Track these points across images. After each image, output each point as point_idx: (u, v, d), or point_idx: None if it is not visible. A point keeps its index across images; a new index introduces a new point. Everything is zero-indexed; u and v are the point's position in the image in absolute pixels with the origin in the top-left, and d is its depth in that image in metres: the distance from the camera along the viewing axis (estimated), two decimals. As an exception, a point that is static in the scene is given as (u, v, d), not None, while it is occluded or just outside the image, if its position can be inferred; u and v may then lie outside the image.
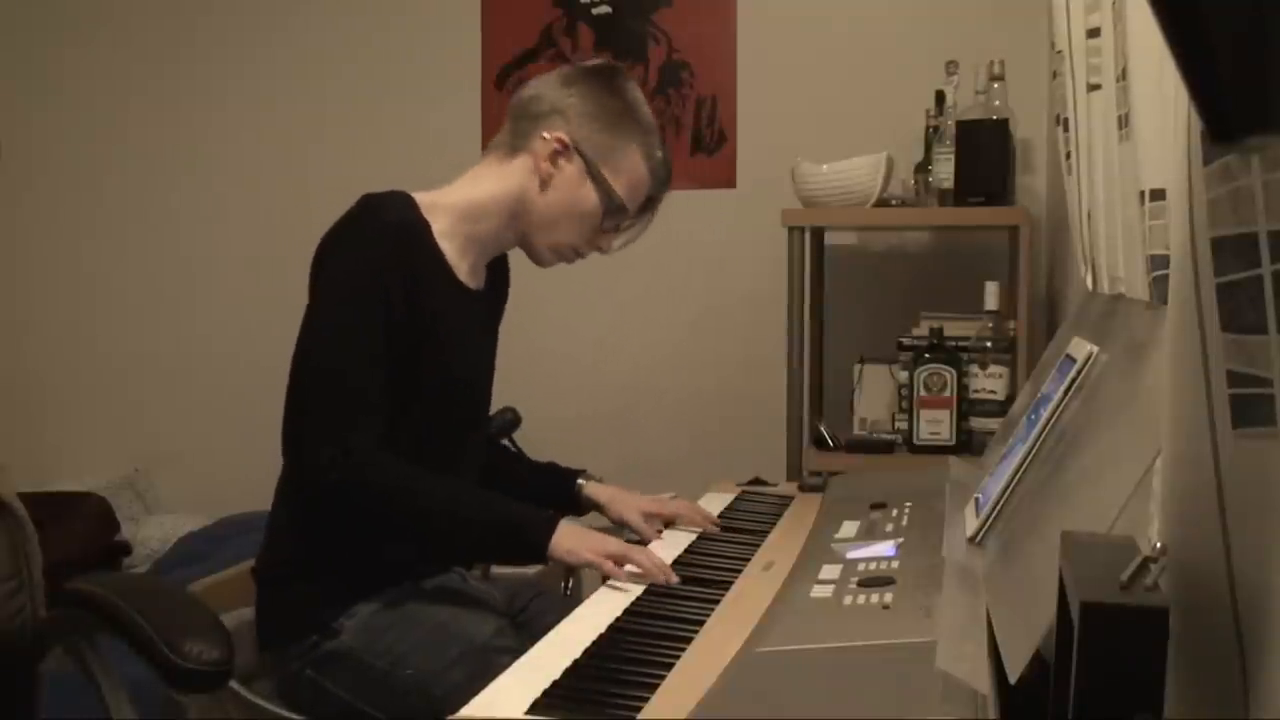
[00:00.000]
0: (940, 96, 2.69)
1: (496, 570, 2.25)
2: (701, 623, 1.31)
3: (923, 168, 2.70)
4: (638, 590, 1.48)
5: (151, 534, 3.21)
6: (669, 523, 1.83)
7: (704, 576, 1.52)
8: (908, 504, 1.65)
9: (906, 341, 2.59)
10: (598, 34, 3.18)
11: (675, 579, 1.52)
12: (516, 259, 1.89)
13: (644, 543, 1.74)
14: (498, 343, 1.91)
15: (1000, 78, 2.56)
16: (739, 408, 3.06)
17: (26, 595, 1.67)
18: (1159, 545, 0.72)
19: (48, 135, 3.48)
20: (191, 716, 1.75)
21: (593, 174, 1.74)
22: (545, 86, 1.78)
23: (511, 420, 2.10)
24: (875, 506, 1.68)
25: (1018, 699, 0.98)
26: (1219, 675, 0.74)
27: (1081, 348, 1.34)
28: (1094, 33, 1.39)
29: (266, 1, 3.37)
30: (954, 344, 2.52)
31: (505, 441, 2.04)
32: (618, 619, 1.36)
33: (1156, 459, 0.92)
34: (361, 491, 1.61)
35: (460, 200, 1.76)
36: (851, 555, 1.43)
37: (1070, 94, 1.54)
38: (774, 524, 1.78)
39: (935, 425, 2.50)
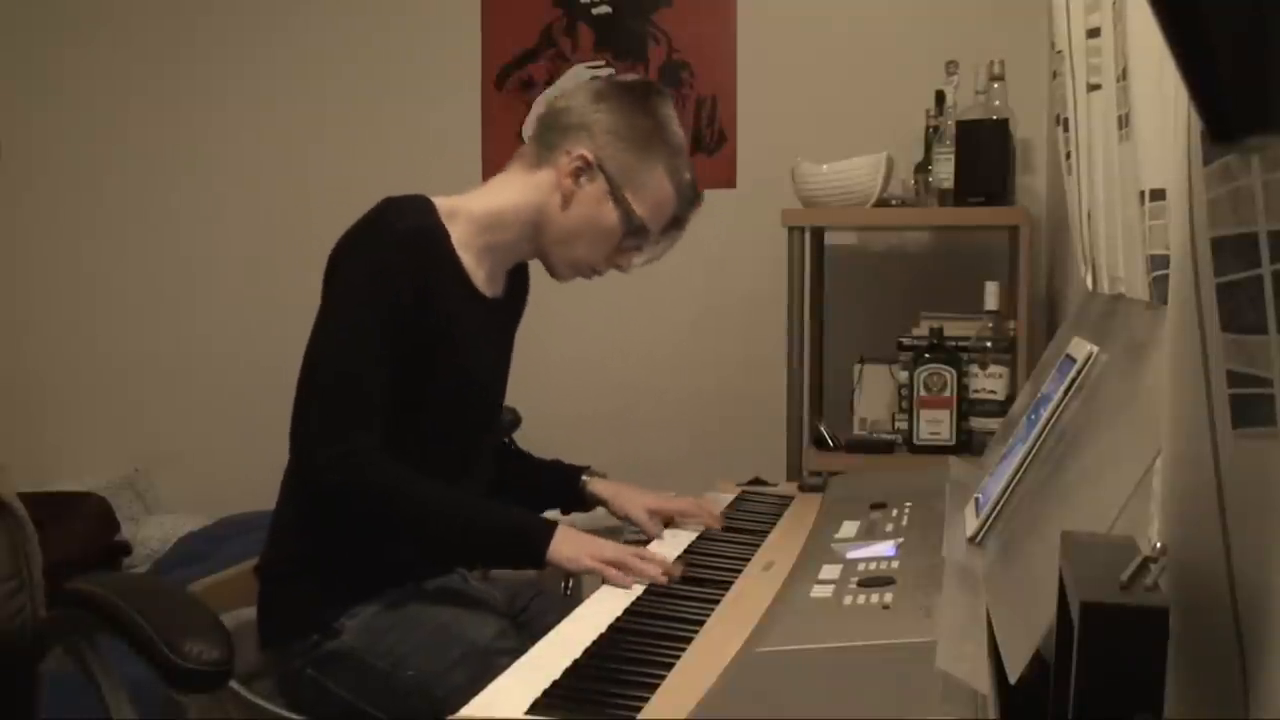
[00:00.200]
0: (940, 96, 2.69)
1: (496, 570, 2.25)
2: (701, 623, 1.31)
3: (923, 168, 2.70)
4: (638, 590, 1.48)
5: (151, 534, 3.21)
6: (668, 522, 1.83)
7: (704, 576, 1.52)
8: (908, 504, 1.65)
9: (906, 341, 2.58)
10: (598, 34, 3.18)
11: (678, 572, 1.53)
12: (534, 268, 1.89)
13: (648, 539, 1.74)
14: (512, 350, 1.91)
15: (1000, 78, 2.56)
16: (739, 408, 3.06)
17: (26, 595, 1.67)
18: (1159, 545, 0.72)
19: (48, 135, 3.49)
20: (191, 716, 1.75)
21: (614, 194, 1.73)
22: (577, 98, 1.77)
23: (511, 420, 2.10)
24: (875, 506, 1.68)
25: (1018, 699, 0.98)
26: (1219, 675, 0.74)
27: (1081, 348, 1.34)
28: (1094, 33, 1.39)
29: (266, 2, 3.37)
30: (954, 344, 2.52)
31: (505, 440, 2.04)
32: (618, 619, 1.36)
33: (1156, 459, 0.92)
34: (361, 492, 1.61)
35: (481, 208, 1.75)
36: (851, 555, 1.43)
37: (1070, 94, 1.54)
38: (774, 524, 1.78)
39: (935, 425, 2.50)
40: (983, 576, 1.24)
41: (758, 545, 1.66)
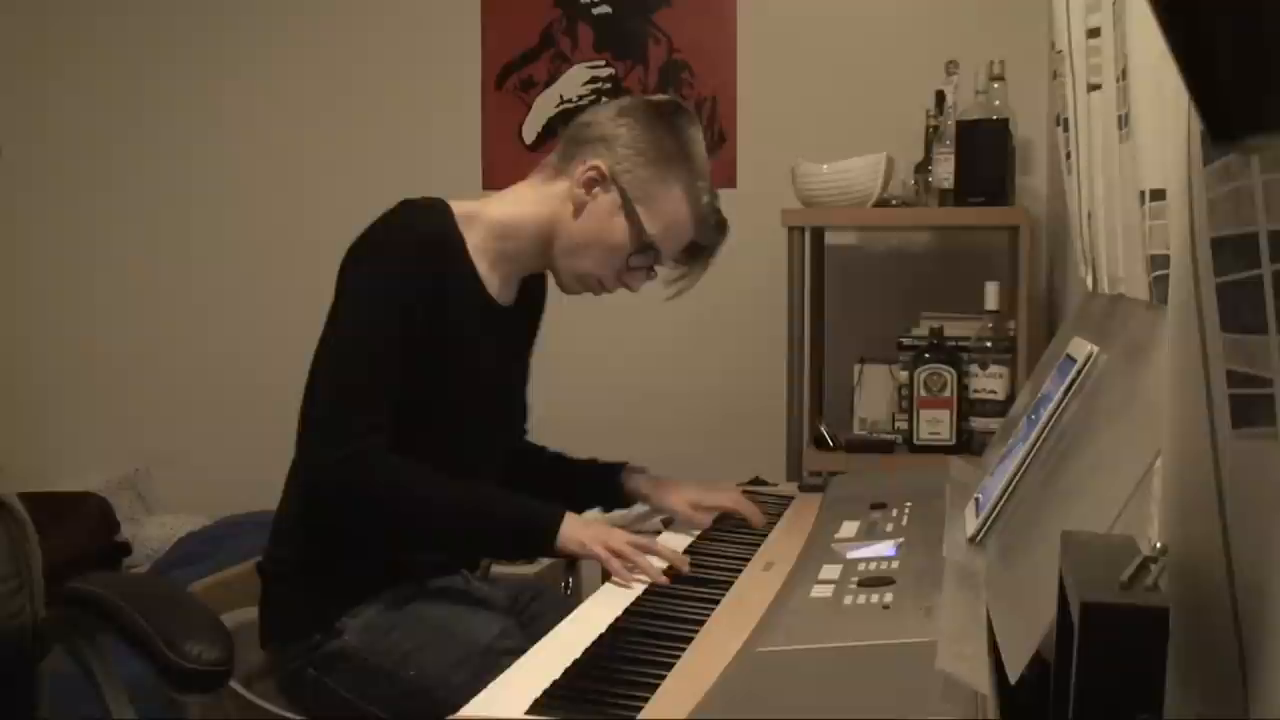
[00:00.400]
0: (940, 96, 2.69)
1: (497, 570, 2.25)
2: (701, 623, 1.31)
3: (923, 168, 2.70)
4: (638, 590, 1.48)
5: (151, 534, 3.21)
6: (668, 523, 1.83)
7: (704, 576, 1.53)
8: (908, 504, 1.64)
9: (906, 341, 2.58)
10: (598, 34, 3.18)
11: (686, 567, 1.54)
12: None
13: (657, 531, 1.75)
14: (529, 358, 1.90)
15: (1000, 78, 2.56)
16: (739, 408, 3.06)
17: (26, 595, 1.67)
18: (1159, 545, 0.72)
19: (48, 135, 3.49)
20: (192, 716, 1.75)
21: (626, 208, 1.72)
22: (602, 113, 1.77)
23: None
24: (875, 506, 1.68)
25: (1018, 699, 0.98)
26: (1219, 675, 0.74)
27: (1081, 348, 1.34)
28: (1094, 33, 1.39)
29: (266, 2, 3.37)
30: (954, 344, 2.52)
31: (537, 445, 2.03)
32: (618, 619, 1.36)
33: (1156, 459, 0.92)
34: (364, 494, 1.60)
35: (497, 216, 1.75)
36: (851, 555, 1.43)
37: (1070, 94, 1.54)
38: (774, 524, 1.78)
39: (935, 425, 2.50)
40: (983, 576, 1.24)
41: (758, 545, 1.66)
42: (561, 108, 3.20)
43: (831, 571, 1.37)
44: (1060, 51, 1.57)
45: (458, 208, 1.72)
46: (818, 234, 2.85)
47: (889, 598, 1.21)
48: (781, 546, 1.61)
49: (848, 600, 1.24)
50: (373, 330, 1.63)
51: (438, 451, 1.65)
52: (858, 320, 2.95)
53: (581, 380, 3.09)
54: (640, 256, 1.75)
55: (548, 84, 3.21)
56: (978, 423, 2.50)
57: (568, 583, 2.92)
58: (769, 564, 1.53)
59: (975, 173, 2.55)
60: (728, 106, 3.11)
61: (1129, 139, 1.19)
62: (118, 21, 3.44)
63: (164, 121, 3.42)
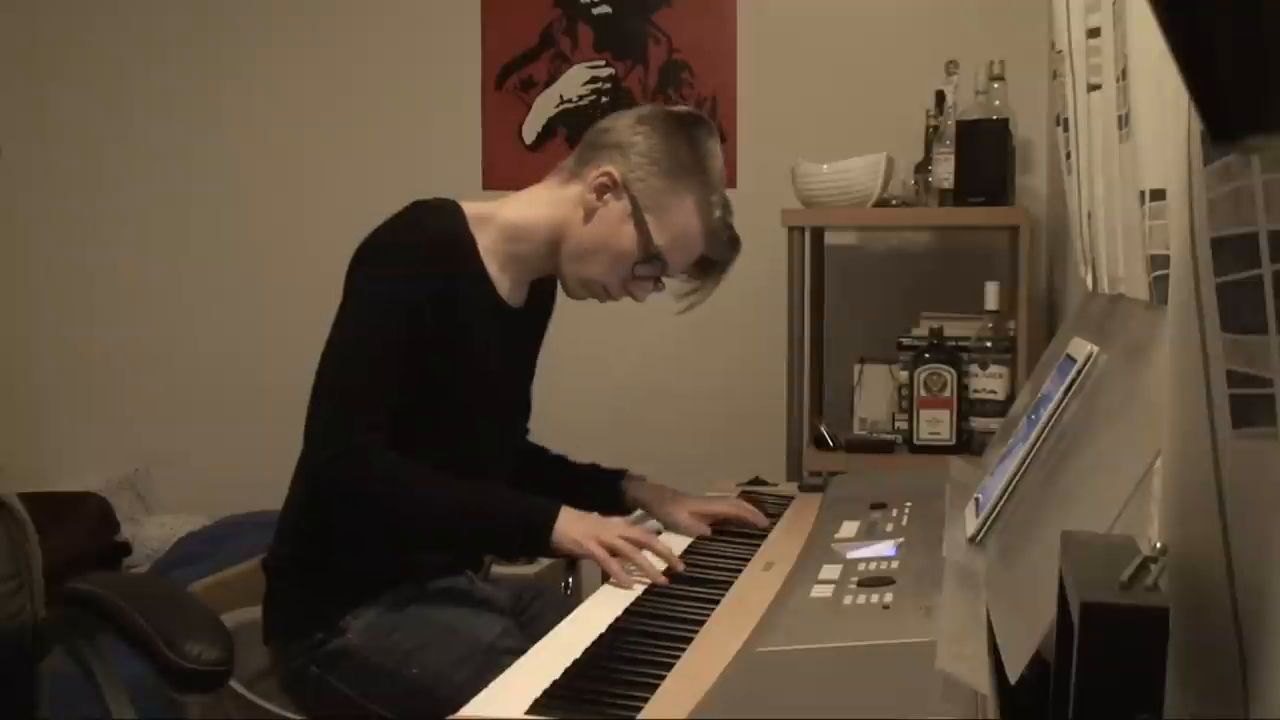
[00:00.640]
0: (940, 96, 2.69)
1: (497, 570, 2.25)
2: (701, 623, 1.31)
3: (923, 168, 2.70)
4: (638, 590, 1.48)
5: (151, 534, 3.21)
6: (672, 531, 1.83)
7: (704, 576, 1.53)
8: (908, 504, 1.64)
9: (906, 341, 2.58)
10: (598, 34, 3.18)
11: (681, 567, 1.53)
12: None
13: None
14: (536, 360, 1.90)
15: (1000, 78, 2.56)
16: (739, 408, 3.06)
17: (26, 595, 1.67)
18: (1159, 545, 0.72)
19: (48, 135, 3.49)
20: (192, 716, 1.75)
21: (636, 216, 1.71)
22: (621, 119, 1.76)
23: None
24: (875, 506, 1.68)
25: (1018, 699, 0.98)
26: (1219, 675, 0.74)
27: (1081, 348, 1.34)
28: (1094, 33, 1.39)
29: (266, 2, 3.37)
30: (954, 344, 2.52)
31: (540, 446, 2.03)
32: (618, 619, 1.36)
33: (1156, 459, 0.92)
34: (361, 488, 1.60)
35: (509, 218, 1.75)
36: (851, 555, 1.43)
37: (1070, 94, 1.54)
38: (774, 524, 1.78)
39: (935, 425, 2.50)
40: (983, 576, 1.24)
41: (758, 545, 1.66)
42: (561, 108, 3.20)
43: (831, 571, 1.37)
44: (1060, 51, 1.57)
45: (470, 209, 1.72)
46: (818, 234, 2.85)
47: (889, 598, 1.21)
48: (781, 546, 1.61)
49: (848, 600, 1.24)
50: (374, 332, 1.63)
51: (447, 452, 1.65)
52: (858, 320, 2.95)
53: (582, 380, 3.09)
54: (647, 266, 1.74)
55: (548, 84, 3.21)
56: (978, 423, 2.50)
57: (568, 583, 2.92)
58: (769, 564, 1.53)
59: (975, 173, 2.55)
60: (728, 106, 3.11)
61: (1129, 139, 1.19)
62: (117, 21, 3.44)
63: (164, 121, 3.42)
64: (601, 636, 1.29)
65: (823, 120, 3.01)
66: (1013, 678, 0.95)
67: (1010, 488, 1.33)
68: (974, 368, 2.51)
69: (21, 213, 3.52)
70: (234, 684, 1.63)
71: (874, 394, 2.74)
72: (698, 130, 1.76)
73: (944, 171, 2.61)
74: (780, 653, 1.12)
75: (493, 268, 1.73)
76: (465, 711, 1.09)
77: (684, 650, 1.22)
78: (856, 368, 2.76)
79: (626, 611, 1.39)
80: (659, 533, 1.76)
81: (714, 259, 1.82)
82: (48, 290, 3.52)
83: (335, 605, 1.68)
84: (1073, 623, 0.72)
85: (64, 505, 3.07)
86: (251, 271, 3.39)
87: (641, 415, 3.15)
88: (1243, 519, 0.72)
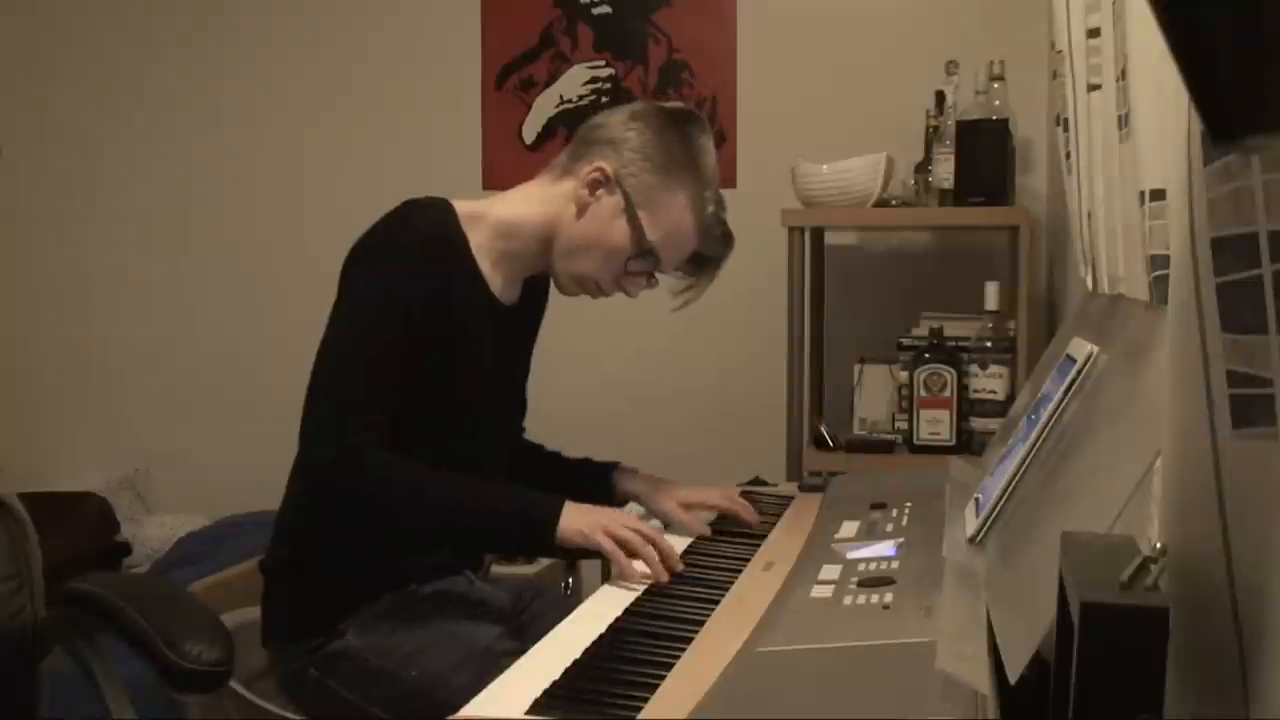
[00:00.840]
0: (940, 96, 2.69)
1: (497, 570, 2.25)
2: (701, 623, 1.31)
3: (923, 168, 2.70)
4: (638, 590, 1.48)
5: (151, 534, 3.21)
6: (667, 525, 1.83)
7: (704, 576, 1.52)
8: (908, 504, 1.64)
9: (906, 341, 2.59)
10: (598, 34, 3.18)
11: (680, 566, 1.53)
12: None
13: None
14: (530, 357, 1.90)
15: (1000, 78, 2.56)
16: (739, 408, 3.06)
17: (26, 595, 1.67)
18: (1159, 545, 0.72)
19: (48, 135, 3.49)
20: (192, 716, 1.75)
21: (628, 212, 1.71)
22: (614, 115, 1.76)
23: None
24: (875, 506, 1.68)
25: (1018, 699, 0.98)
26: (1219, 675, 0.74)
27: (1081, 348, 1.34)
28: (1094, 33, 1.39)
29: (266, 2, 3.37)
30: (954, 344, 2.52)
31: (533, 442, 2.03)
32: (617, 619, 1.36)
33: (1156, 459, 0.92)
34: (358, 488, 1.60)
35: (501, 215, 1.74)
36: (851, 555, 1.43)
37: (1070, 94, 1.54)
38: (774, 524, 1.78)
39: (935, 425, 2.50)
40: (983, 576, 1.24)
41: (758, 545, 1.66)
42: (561, 108, 3.21)
43: (831, 571, 1.37)
44: (1060, 51, 1.57)
45: (462, 207, 1.72)
46: (818, 234, 2.85)
47: (889, 598, 1.21)
48: (781, 546, 1.61)
49: (848, 600, 1.24)
50: (369, 332, 1.63)
51: (443, 451, 1.65)
52: (858, 320, 2.95)
53: (581, 379, 3.09)
54: (639, 262, 1.74)
55: (548, 84, 3.21)
56: (978, 423, 2.50)
57: (568, 583, 2.92)
58: (769, 564, 1.53)
59: (975, 173, 2.55)
60: (728, 106, 3.11)
61: (1129, 139, 1.19)
62: (117, 21, 3.44)
63: (164, 121, 3.42)
64: (601, 636, 1.29)
65: (823, 120, 3.01)
66: (1013, 678, 0.95)
67: (1010, 488, 1.33)
68: (974, 368, 2.51)
69: (21, 213, 3.52)
70: (234, 684, 1.63)
71: (874, 394, 2.74)
72: (690, 126, 1.76)
73: (944, 171, 2.61)
74: (780, 653, 1.12)
75: (485, 265, 1.73)
76: (465, 711, 1.09)
77: (684, 650, 1.22)
78: (856, 368, 2.76)
79: (626, 611, 1.39)
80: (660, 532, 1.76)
81: (707, 255, 1.81)
82: (48, 290, 3.52)
83: (334, 608, 1.68)
84: (1073, 623, 0.72)
85: (64, 505, 3.07)
86: (251, 271, 3.39)
87: (641, 415, 3.15)
88: (1243, 519, 0.72)
